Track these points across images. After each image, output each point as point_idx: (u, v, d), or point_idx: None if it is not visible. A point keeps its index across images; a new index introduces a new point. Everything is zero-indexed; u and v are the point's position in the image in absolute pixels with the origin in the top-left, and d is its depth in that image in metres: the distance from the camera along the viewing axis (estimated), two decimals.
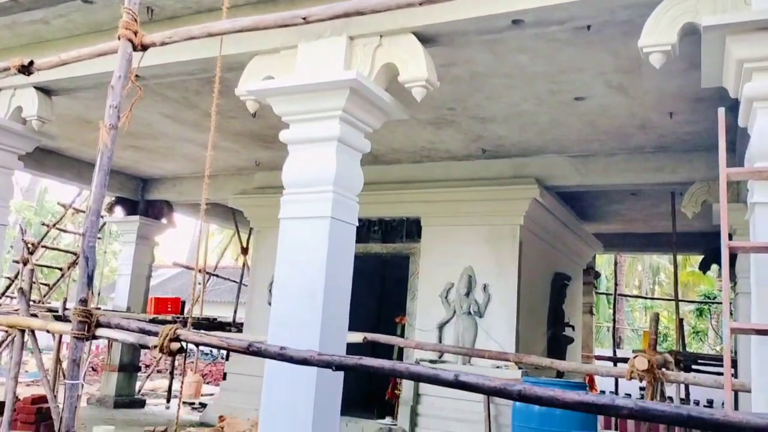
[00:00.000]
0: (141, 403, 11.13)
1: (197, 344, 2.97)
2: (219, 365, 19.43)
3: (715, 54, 3.56)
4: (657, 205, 10.34)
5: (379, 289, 11.78)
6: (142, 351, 13.92)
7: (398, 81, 4.56)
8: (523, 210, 8.35)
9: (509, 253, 8.46)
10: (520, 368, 8.18)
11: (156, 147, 9.61)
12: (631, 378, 4.80)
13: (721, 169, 3.28)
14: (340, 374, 4.49)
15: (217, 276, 14.50)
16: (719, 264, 12.47)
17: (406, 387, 8.62)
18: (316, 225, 4.48)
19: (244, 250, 12.33)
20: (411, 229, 9.32)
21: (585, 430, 5.75)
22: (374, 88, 4.50)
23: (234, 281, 14.32)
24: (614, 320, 13.45)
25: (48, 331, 3.54)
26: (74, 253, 12.36)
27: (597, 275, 12.94)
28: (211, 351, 21.27)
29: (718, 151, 3.46)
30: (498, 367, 8.20)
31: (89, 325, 3.19)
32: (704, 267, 12.66)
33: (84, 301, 3.23)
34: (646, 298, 22.30)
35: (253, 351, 2.76)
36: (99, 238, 13.30)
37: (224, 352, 22.25)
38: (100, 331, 3.21)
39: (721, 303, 18.10)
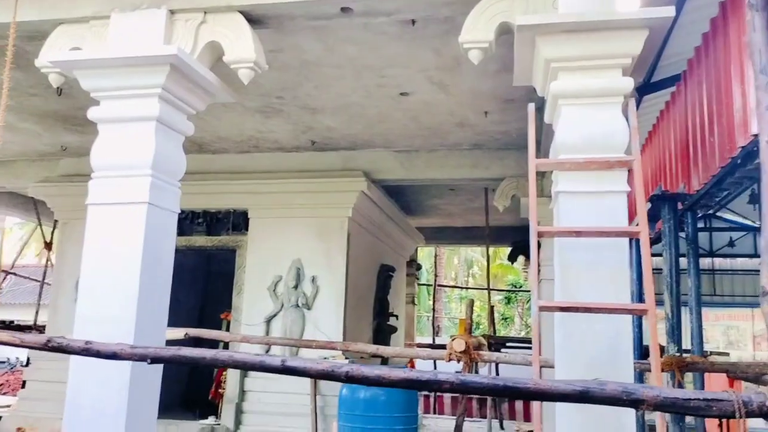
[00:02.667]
0: None
1: None
2: (17, 374, 17.43)
3: (526, 53, 3.83)
4: (473, 200, 11.03)
5: (203, 284, 11.31)
6: None
7: (224, 62, 4.37)
8: (352, 202, 8.46)
9: (337, 246, 8.52)
10: (346, 358, 8.28)
11: None
12: (450, 359, 5.05)
13: (530, 160, 3.54)
14: (158, 372, 4.20)
15: (14, 275, 12.99)
16: (526, 255, 13.68)
17: (231, 384, 8.35)
18: (131, 211, 4.13)
19: (48, 245, 11.15)
20: (238, 222, 9.03)
21: (407, 413, 5.95)
22: (198, 67, 4.26)
23: (36, 280, 12.92)
24: (434, 309, 14.19)
25: None
26: None
27: (419, 267, 13.54)
28: (8, 359, 19.03)
29: (528, 148, 3.73)
30: (326, 357, 8.23)
31: None
32: (512, 257, 13.78)
33: None
34: (461, 288, 23.81)
35: (52, 347, 2.46)
36: None
37: (24, 359, 20.01)
38: None
39: (526, 291, 19.84)
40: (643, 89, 5.14)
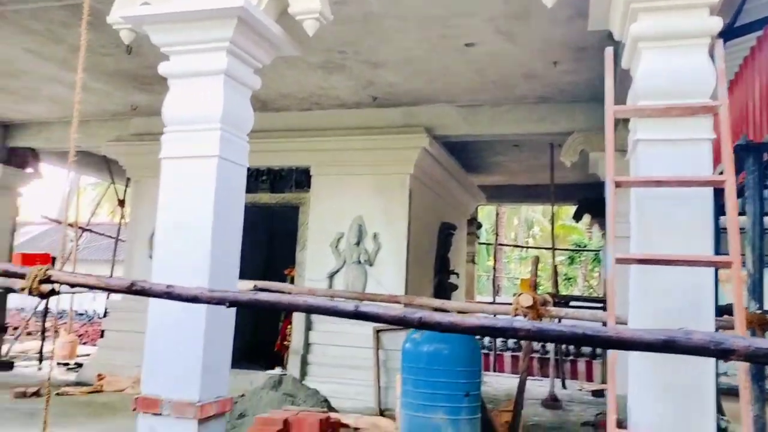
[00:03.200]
0: (8, 366, 10.32)
1: (71, 285, 2.70)
2: (95, 325, 18.42)
3: None
4: (537, 157, 10.77)
5: (267, 241, 11.55)
6: (9, 312, 12.85)
7: (289, 14, 4.34)
8: (413, 159, 8.41)
9: (399, 203, 8.51)
10: None
11: (18, 87, 8.68)
12: (516, 314, 5.00)
13: (608, 107, 3.37)
14: (232, 318, 4.34)
15: (90, 231, 13.59)
16: (591, 213, 13.34)
17: (296, 337, 8.57)
18: (202, 165, 4.21)
19: (121, 203, 11.58)
20: (300, 179, 9.13)
21: (470, 367, 5.96)
22: (264, 19, 4.25)
23: (110, 237, 13.50)
24: (494, 269, 14.08)
25: None
26: None
27: (479, 226, 13.42)
28: (86, 311, 20.11)
29: (601, 97, 3.56)
30: None
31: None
32: (577, 216, 13.46)
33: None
34: (523, 247, 23.51)
35: (136, 290, 2.54)
36: None
37: (101, 311, 21.12)
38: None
39: (591, 251, 19.45)
40: (728, 33, 4.82)
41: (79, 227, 12.66)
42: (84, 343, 14.06)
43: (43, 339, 11.53)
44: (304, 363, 8.39)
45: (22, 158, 10.58)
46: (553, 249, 9.84)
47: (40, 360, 11.25)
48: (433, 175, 9.39)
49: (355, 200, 8.65)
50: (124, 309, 9.43)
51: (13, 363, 10.61)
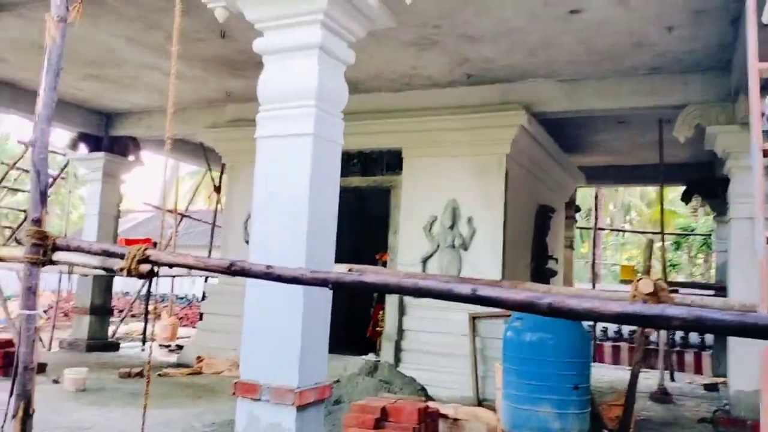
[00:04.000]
0: (115, 346, 10.81)
1: (170, 265, 2.60)
2: (194, 308, 19.13)
3: None
4: (643, 135, 10.07)
5: (358, 225, 11.45)
6: (115, 295, 13.48)
7: None
8: (510, 138, 8.00)
9: (495, 184, 8.15)
10: None
11: (118, 76, 8.96)
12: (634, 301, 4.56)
13: (752, 63, 2.91)
14: (329, 301, 4.20)
15: (189, 217, 14.01)
16: (701, 194, 12.39)
17: (389, 323, 8.41)
18: (298, 143, 4.07)
19: (217, 189, 11.83)
20: (392, 161, 8.93)
21: (579, 359, 5.57)
22: None
23: (207, 222, 13.87)
24: (594, 254, 13.41)
25: None
26: None
27: (578, 209, 12.77)
28: (186, 295, 20.95)
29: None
30: None
31: (45, 248, 2.78)
32: (686, 197, 12.54)
33: (38, 221, 2.81)
34: (624, 231, 22.31)
35: (235, 270, 2.39)
36: (63, 178, 12.72)
37: (200, 294, 21.91)
38: (57, 255, 2.81)
39: (699, 235, 18.11)
40: None
41: (178, 213, 13.06)
42: (184, 326, 14.57)
43: (146, 321, 12.02)
44: (398, 349, 8.22)
45: (124, 146, 10.98)
46: (663, 233, 9.14)
47: (144, 341, 11.73)
48: (530, 155, 8.94)
49: (449, 182, 8.36)
50: (221, 292, 9.61)
51: (119, 344, 11.11)
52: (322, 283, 2.31)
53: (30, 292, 2.78)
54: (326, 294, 4.24)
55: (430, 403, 5.65)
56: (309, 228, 3.97)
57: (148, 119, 10.74)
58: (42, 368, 7.92)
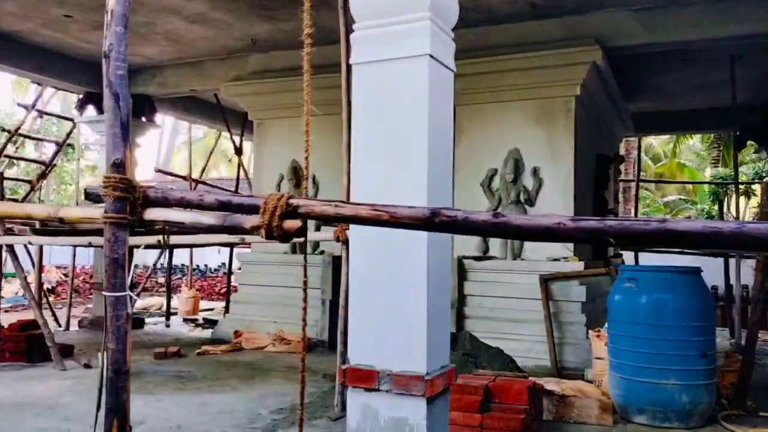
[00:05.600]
0: (140, 323, 10.04)
1: (328, 219, 1.79)
2: (209, 280, 18.41)
3: None
4: (707, 74, 9.20)
5: None
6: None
7: None
8: (581, 78, 7.14)
9: (563, 131, 7.31)
10: (581, 260, 7.24)
11: (132, 23, 7.95)
12: None
13: None
14: (449, 267, 3.43)
15: (205, 183, 13.14)
16: (755, 140, 11.59)
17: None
18: (409, 68, 3.22)
19: (238, 151, 10.92)
20: None
21: (702, 322, 4.82)
22: None
23: (226, 190, 12.97)
24: (636, 208, 12.62)
25: (60, 220, 2.27)
26: (43, 163, 10.86)
27: (622, 160, 11.95)
28: (198, 266, 20.15)
29: None
30: (555, 259, 7.24)
31: (132, 203, 1.96)
32: (739, 144, 11.73)
33: (120, 165, 1.98)
34: (690, 183, 21.15)
35: (442, 221, 1.58)
36: (69, 145, 11.77)
37: (214, 265, 21.15)
38: (151, 213, 1.98)
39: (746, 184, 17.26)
40: None
41: (194, 180, 12.15)
42: (202, 298, 13.79)
43: (169, 294, 11.24)
44: (460, 316, 7.46)
45: (136, 106, 10.00)
46: (736, 183, 8.36)
47: (168, 317, 10.97)
48: (596, 98, 8.07)
49: (510, 130, 7.51)
50: (255, 261, 8.82)
51: (143, 320, 10.34)
52: (591, 235, 1.50)
53: (116, 266, 1.95)
54: (447, 255, 3.46)
55: (534, 379, 4.91)
56: (429, 176, 3.16)
57: (162, 75, 9.77)
58: (69, 351, 7.16)
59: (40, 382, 5.98)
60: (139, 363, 6.87)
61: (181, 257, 18.61)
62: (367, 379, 3.18)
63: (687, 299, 4.81)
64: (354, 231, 3.38)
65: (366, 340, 3.26)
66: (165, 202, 1.97)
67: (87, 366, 6.66)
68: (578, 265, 7.09)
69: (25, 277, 7.00)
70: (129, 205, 1.97)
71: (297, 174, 8.64)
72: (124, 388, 1.97)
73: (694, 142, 24.33)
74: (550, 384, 5.01)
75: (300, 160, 8.67)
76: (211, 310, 12.92)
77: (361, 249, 3.28)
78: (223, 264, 22.70)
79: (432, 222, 1.62)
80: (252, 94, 8.91)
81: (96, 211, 2.03)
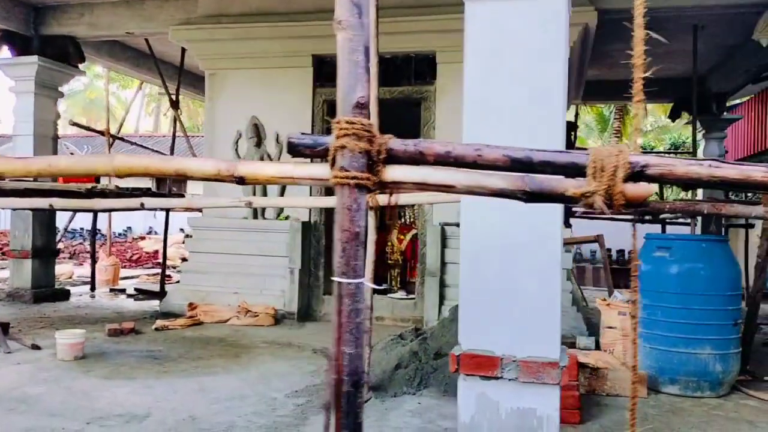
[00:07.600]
0: (65, 294, 8.93)
1: (695, 184, 1.32)
2: (117, 245, 16.93)
3: None
4: (663, 45, 9.32)
5: None
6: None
7: None
8: (572, 40, 6.90)
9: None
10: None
11: None
12: None
13: None
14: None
15: (126, 141, 11.91)
16: (689, 111, 12.06)
17: (431, 256, 7.29)
18: (543, 8, 2.78)
19: (174, 104, 9.86)
20: (422, 68, 7.61)
21: (736, 290, 4.82)
22: None
23: (148, 148, 11.82)
24: None
25: (240, 180, 1.65)
26: None
27: (575, 127, 12.04)
28: (99, 230, 18.51)
29: None
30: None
31: (373, 159, 1.42)
32: (674, 115, 12.19)
33: (364, 106, 1.42)
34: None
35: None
36: None
37: (120, 231, 19.67)
38: (392, 173, 1.45)
39: (686, 153, 18.17)
40: None
41: (111, 136, 10.90)
42: (123, 266, 12.60)
43: (93, 262, 10.12)
44: (442, 285, 7.18)
45: (60, 50, 8.71)
46: (695, 153, 8.59)
47: (93, 287, 9.88)
48: (575, 64, 7.93)
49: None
50: (209, 227, 8.03)
51: (69, 291, 9.22)
52: None
53: (357, 244, 1.41)
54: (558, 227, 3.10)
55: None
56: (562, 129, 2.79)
57: (92, 15, 8.53)
58: (5, 328, 6.15)
59: None
60: (93, 341, 6.03)
61: (83, 221, 17.03)
62: (486, 366, 2.79)
63: (719, 268, 4.78)
64: (468, 203, 2.94)
65: (482, 322, 2.85)
66: (419, 158, 1.44)
67: (36, 347, 5.73)
68: (565, 232, 6.99)
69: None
70: (370, 160, 1.43)
71: (258, 132, 7.90)
72: (360, 406, 1.45)
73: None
74: (582, 357, 4.85)
75: (261, 116, 7.93)
76: (135, 278, 11.85)
77: (481, 222, 2.86)
78: (129, 228, 21.13)
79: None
80: (204, 40, 7.98)
81: (322, 170, 1.46)
